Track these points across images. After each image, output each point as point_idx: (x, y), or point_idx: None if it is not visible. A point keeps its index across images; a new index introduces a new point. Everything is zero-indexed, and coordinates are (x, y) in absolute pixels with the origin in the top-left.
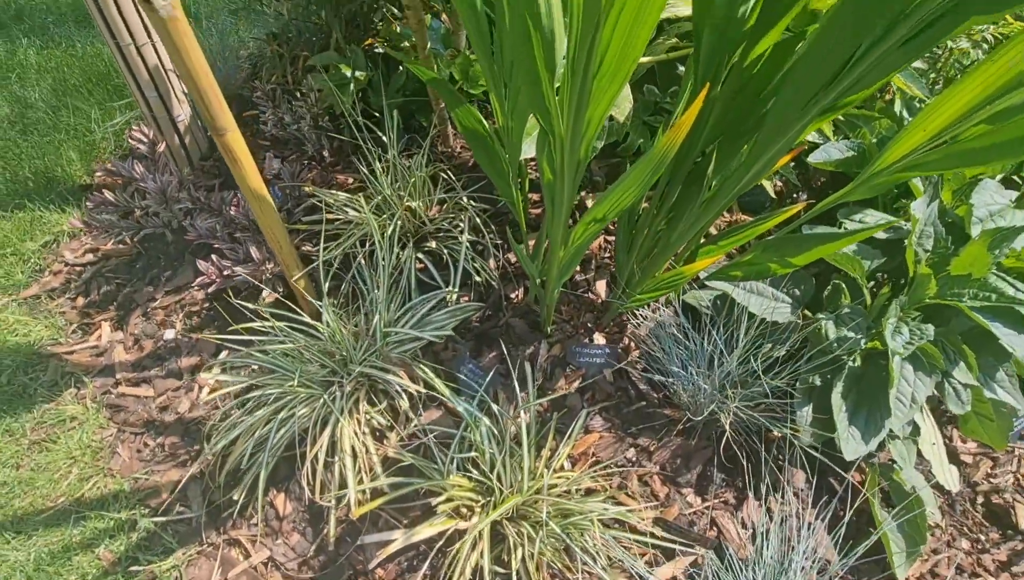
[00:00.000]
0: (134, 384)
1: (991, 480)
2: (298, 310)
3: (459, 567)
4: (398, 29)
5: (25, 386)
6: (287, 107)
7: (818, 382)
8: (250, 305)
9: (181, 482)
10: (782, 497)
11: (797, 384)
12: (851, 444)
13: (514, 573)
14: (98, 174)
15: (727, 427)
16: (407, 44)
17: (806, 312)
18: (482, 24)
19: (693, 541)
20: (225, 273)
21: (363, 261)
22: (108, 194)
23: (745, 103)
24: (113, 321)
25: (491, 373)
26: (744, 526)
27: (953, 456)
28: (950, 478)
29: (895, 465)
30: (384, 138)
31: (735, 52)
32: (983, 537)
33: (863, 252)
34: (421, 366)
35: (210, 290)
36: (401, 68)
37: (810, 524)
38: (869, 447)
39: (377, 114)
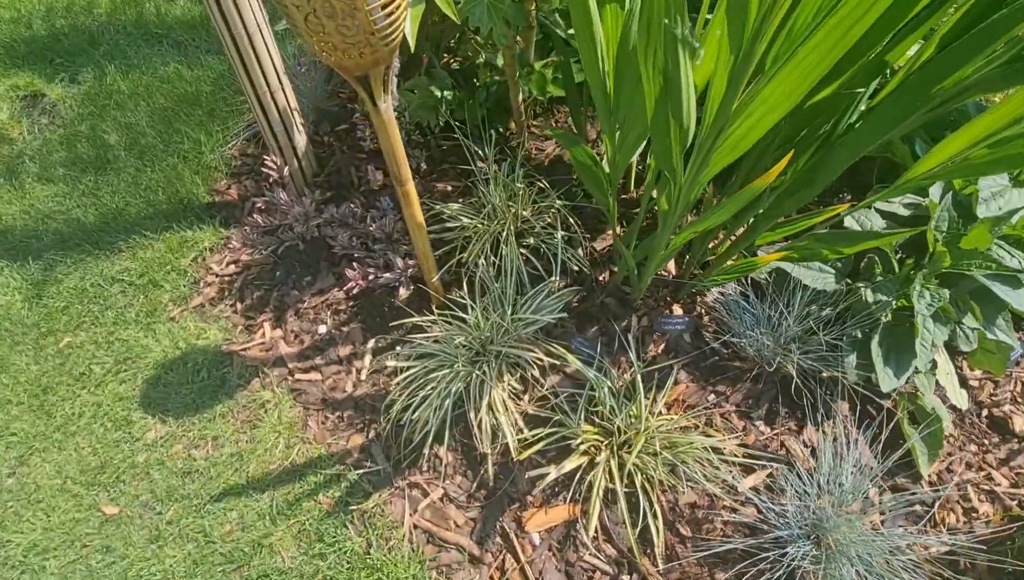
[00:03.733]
0: (304, 371)
1: (993, 398)
2: (428, 302)
3: (595, 490)
4: (483, 56)
5: (223, 378)
6: None
7: (859, 335)
8: (386, 302)
9: (363, 444)
10: (833, 423)
11: (844, 338)
12: (887, 380)
13: (638, 489)
14: (227, 192)
15: (792, 371)
16: (482, 60)
17: (847, 281)
18: (606, 89)
19: (768, 459)
20: (369, 278)
21: (483, 261)
22: (259, 218)
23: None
24: (271, 321)
25: (597, 344)
26: (805, 446)
27: (963, 382)
28: (961, 399)
29: (919, 393)
30: (472, 148)
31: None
32: (987, 441)
33: (890, 227)
34: (544, 343)
35: (353, 292)
36: (478, 83)
37: (856, 440)
38: (900, 382)
39: (457, 124)
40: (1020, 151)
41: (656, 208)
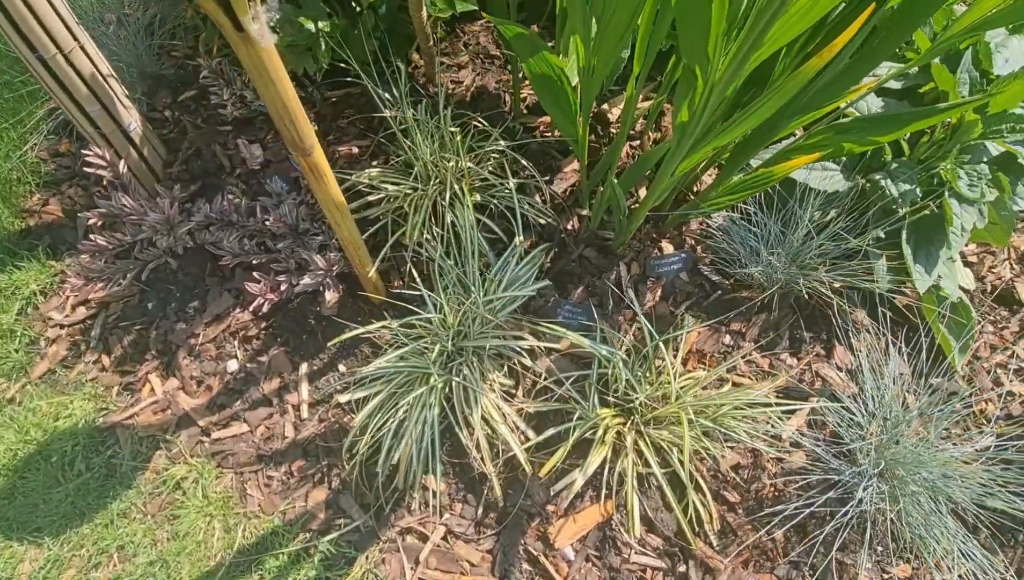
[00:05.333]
0: (223, 426)
1: (993, 271)
2: (365, 302)
3: (628, 481)
4: None
5: (111, 466)
6: (243, 82)
7: (882, 235)
8: (310, 312)
9: (328, 498)
10: (859, 337)
11: (868, 241)
12: (922, 279)
13: (677, 465)
14: (44, 210)
15: (805, 291)
16: None
17: (857, 177)
18: None
19: (808, 394)
20: (281, 288)
21: (428, 237)
22: (99, 239)
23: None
24: (159, 370)
25: (589, 307)
26: (839, 369)
27: (962, 259)
28: (967, 279)
29: (941, 285)
30: (376, 92)
31: None
32: (998, 317)
33: (892, 106)
34: (530, 323)
35: (263, 309)
36: (360, 6)
37: (886, 351)
38: (932, 278)
39: (343, 64)
40: None
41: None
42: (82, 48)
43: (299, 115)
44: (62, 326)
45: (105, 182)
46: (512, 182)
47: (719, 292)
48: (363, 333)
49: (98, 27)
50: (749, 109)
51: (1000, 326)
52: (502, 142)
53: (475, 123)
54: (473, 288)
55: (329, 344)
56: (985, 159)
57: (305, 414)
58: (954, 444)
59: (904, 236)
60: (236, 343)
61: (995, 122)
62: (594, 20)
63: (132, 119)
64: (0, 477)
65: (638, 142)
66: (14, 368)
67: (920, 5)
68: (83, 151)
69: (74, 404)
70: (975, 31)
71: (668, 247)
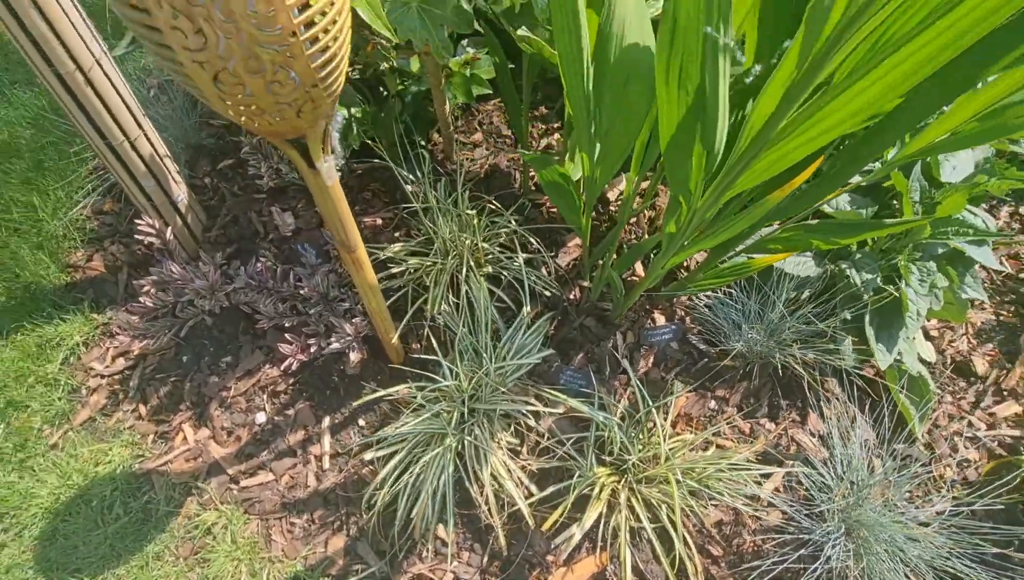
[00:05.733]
0: (251, 474)
1: (952, 345)
2: (384, 360)
3: (621, 535)
4: (391, 62)
5: (146, 511)
6: (279, 156)
7: (848, 317)
8: (334, 370)
9: (347, 545)
10: (830, 406)
11: (836, 322)
12: (883, 357)
13: (666, 521)
14: (89, 265)
15: (780, 363)
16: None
17: (826, 263)
18: (586, 95)
19: (783, 458)
20: (311, 350)
21: (446, 307)
22: (147, 301)
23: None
24: (192, 420)
25: (588, 373)
26: (812, 435)
27: (924, 334)
28: (928, 352)
29: (902, 360)
30: (399, 172)
31: None
32: (957, 388)
33: (857, 202)
34: (535, 388)
35: (292, 367)
36: (387, 93)
37: (854, 419)
38: (893, 356)
39: (369, 142)
40: (1013, 120)
41: (644, 225)
42: (145, 134)
43: (349, 223)
44: (102, 376)
45: (153, 246)
46: (521, 257)
47: (705, 359)
48: (385, 395)
49: (140, 89)
50: (726, 223)
51: (958, 396)
52: (513, 222)
53: (491, 204)
54: (485, 355)
55: (354, 405)
56: (940, 250)
57: (327, 465)
58: (916, 507)
59: (867, 319)
60: (265, 397)
61: (942, 225)
62: (598, 143)
63: (181, 192)
64: (42, 520)
65: (634, 219)
66: (57, 415)
67: (864, 149)
68: (135, 221)
69: (113, 451)
70: (925, 154)
71: (660, 318)
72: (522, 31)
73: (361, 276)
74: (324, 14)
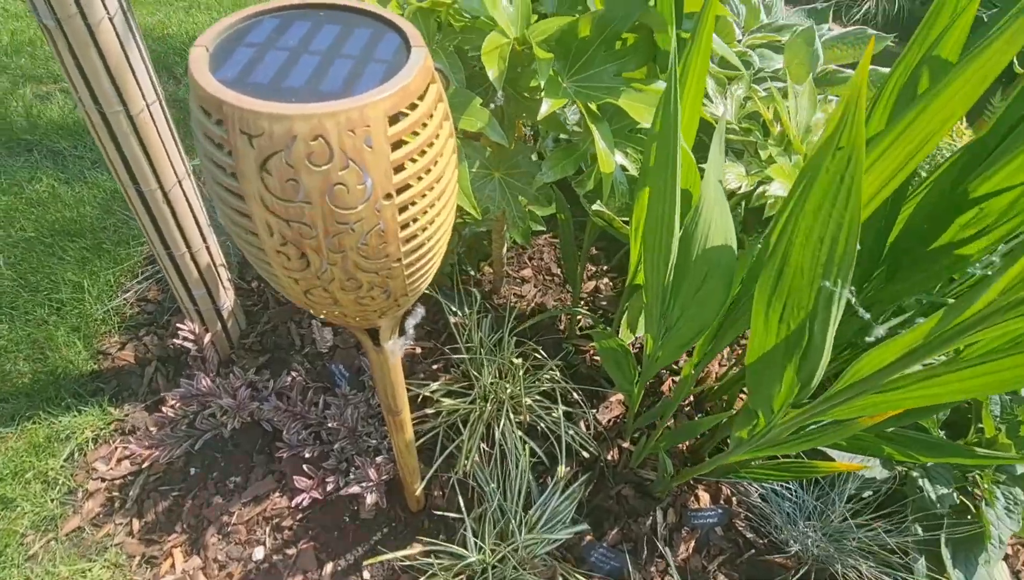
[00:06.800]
0: None
1: None
2: (400, 507)
3: None
4: None
5: None
6: None
7: (919, 531)
8: (347, 511)
9: None
10: None
11: (901, 534)
12: None
13: None
14: (119, 354)
15: (839, 571)
16: None
17: (894, 465)
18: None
19: None
20: (328, 487)
21: (477, 458)
22: (169, 411)
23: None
24: (184, 545)
25: (621, 550)
26: None
27: None
28: (1003, 573)
29: None
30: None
31: None
32: None
33: None
34: (561, 564)
35: (304, 503)
36: None
37: None
38: None
39: None
40: None
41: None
42: (207, 247)
43: (401, 392)
44: (103, 479)
45: (189, 354)
46: (561, 409)
47: (752, 550)
48: (400, 557)
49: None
50: (805, 437)
51: None
52: (557, 372)
53: (537, 353)
54: (514, 521)
55: (365, 563)
56: (1019, 471)
57: None
58: None
59: (943, 539)
60: (267, 530)
61: None
62: (665, 327)
63: (227, 299)
64: None
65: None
66: (46, 519)
67: None
68: (178, 326)
69: (93, 572)
70: None
71: (704, 495)
72: (597, 205)
73: (400, 436)
74: (428, 238)
